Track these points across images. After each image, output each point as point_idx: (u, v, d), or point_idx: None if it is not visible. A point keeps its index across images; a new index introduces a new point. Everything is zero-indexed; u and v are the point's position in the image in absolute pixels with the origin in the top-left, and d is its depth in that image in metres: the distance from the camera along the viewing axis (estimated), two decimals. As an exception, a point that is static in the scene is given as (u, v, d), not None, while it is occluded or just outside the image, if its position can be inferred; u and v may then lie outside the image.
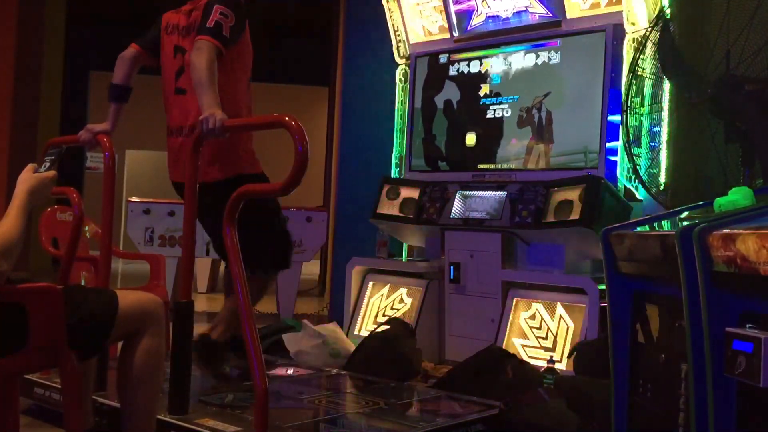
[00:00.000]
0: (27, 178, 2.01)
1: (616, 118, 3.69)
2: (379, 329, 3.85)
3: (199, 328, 2.94)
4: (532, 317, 3.78)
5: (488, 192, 4.06)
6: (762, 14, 2.80)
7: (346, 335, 4.18)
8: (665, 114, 3.53)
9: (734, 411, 1.40)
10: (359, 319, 4.41)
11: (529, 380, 3.21)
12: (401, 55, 4.71)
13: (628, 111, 3.47)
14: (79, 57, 10.90)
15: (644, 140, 3.53)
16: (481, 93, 4.30)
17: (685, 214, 2.16)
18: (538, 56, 4.09)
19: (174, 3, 3.17)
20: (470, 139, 4.32)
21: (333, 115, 7.19)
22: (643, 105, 3.51)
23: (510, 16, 4.21)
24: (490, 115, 4.25)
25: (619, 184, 3.72)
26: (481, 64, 4.33)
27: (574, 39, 3.94)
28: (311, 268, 7.71)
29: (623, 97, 3.54)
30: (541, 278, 3.78)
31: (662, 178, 3.53)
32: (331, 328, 4.03)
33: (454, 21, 4.43)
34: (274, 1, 10.46)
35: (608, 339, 2.02)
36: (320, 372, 3.53)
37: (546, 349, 3.67)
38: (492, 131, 4.23)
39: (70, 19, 9.81)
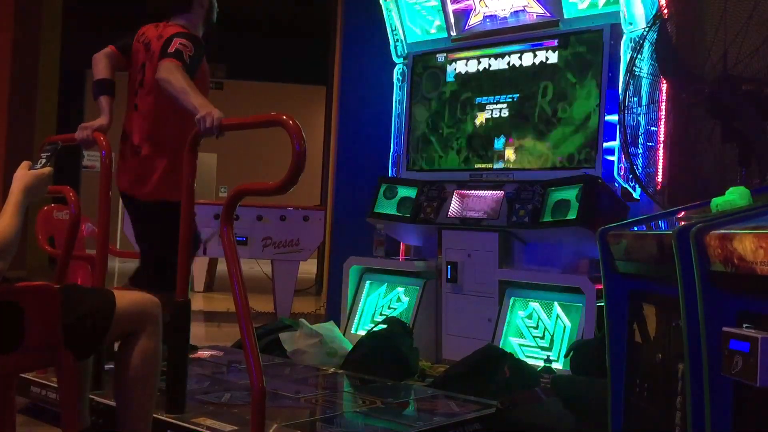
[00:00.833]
0: (22, 175, 2.00)
1: (614, 117, 3.69)
2: (376, 328, 3.85)
3: (196, 328, 2.93)
4: (529, 317, 3.78)
5: (485, 191, 4.06)
6: (759, 14, 2.81)
7: (343, 334, 4.19)
8: (662, 114, 3.53)
9: (731, 411, 1.40)
10: (356, 318, 4.41)
11: (526, 379, 3.21)
12: (399, 54, 4.71)
13: (626, 111, 3.46)
14: (76, 56, 10.86)
15: (641, 140, 3.53)
16: (479, 92, 4.30)
17: (682, 214, 2.16)
18: (535, 55, 4.09)
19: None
20: (468, 138, 4.32)
21: (330, 114, 7.18)
22: (640, 105, 3.51)
23: (508, 15, 4.21)
24: (487, 114, 4.25)
25: (616, 183, 3.72)
26: (479, 63, 4.33)
27: (572, 38, 3.94)
28: (308, 267, 7.70)
29: (620, 96, 3.54)
30: (538, 278, 3.78)
31: (659, 178, 3.53)
32: (328, 327, 4.03)
33: (452, 20, 4.43)
34: (271, 1, 10.47)
35: (605, 338, 2.02)
36: (317, 371, 3.53)
37: (543, 348, 3.68)
38: (489, 130, 4.24)
39: (66, 18, 9.79)
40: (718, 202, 1.91)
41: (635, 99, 3.52)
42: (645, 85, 3.52)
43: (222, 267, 7.55)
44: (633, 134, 3.51)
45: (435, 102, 4.50)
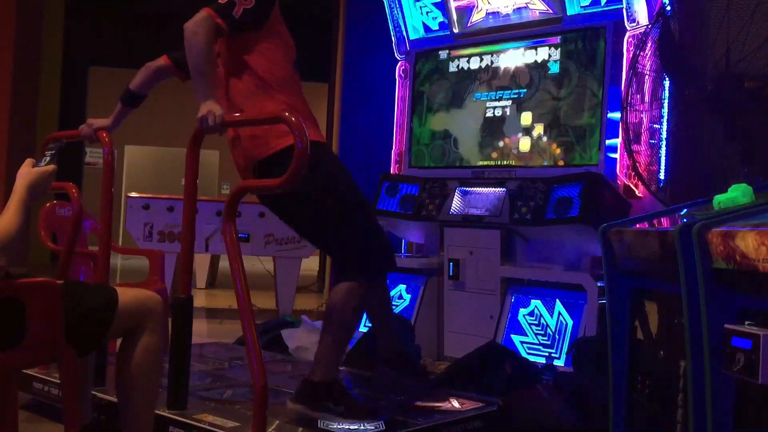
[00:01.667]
0: (26, 172, 2.00)
1: (616, 115, 3.69)
2: (378, 325, 3.85)
3: (198, 324, 2.94)
4: (531, 314, 3.78)
5: (488, 189, 4.06)
6: (762, 11, 2.80)
7: (345, 331, 4.18)
8: (665, 111, 3.52)
9: (732, 408, 1.40)
10: (358, 316, 4.41)
11: (528, 377, 3.21)
12: (401, 51, 4.71)
13: (628, 108, 3.46)
14: (78, 52, 10.88)
15: (644, 137, 3.53)
16: (481, 89, 4.30)
17: (684, 212, 2.16)
18: (538, 52, 4.09)
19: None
20: (470, 135, 4.32)
21: (333, 111, 7.18)
22: (642, 102, 3.50)
23: (510, 12, 4.21)
24: (489, 111, 4.25)
25: (618, 181, 3.72)
26: (481, 60, 4.33)
27: (574, 36, 3.93)
28: (310, 264, 7.70)
29: (623, 94, 3.54)
30: (540, 275, 3.78)
31: (661, 175, 3.53)
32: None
33: (454, 17, 4.43)
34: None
35: (607, 336, 2.02)
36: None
37: (545, 345, 3.68)
38: (492, 128, 4.23)
39: (68, 14, 9.79)
40: (720, 200, 1.91)
41: (638, 96, 3.52)
42: (647, 82, 3.52)
43: (224, 263, 7.56)
44: (635, 131, 3.50)
45: (437, 99, 4.49)
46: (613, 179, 3.70)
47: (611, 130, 3.75)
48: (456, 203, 4.12)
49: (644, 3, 3.68)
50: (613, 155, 3.74)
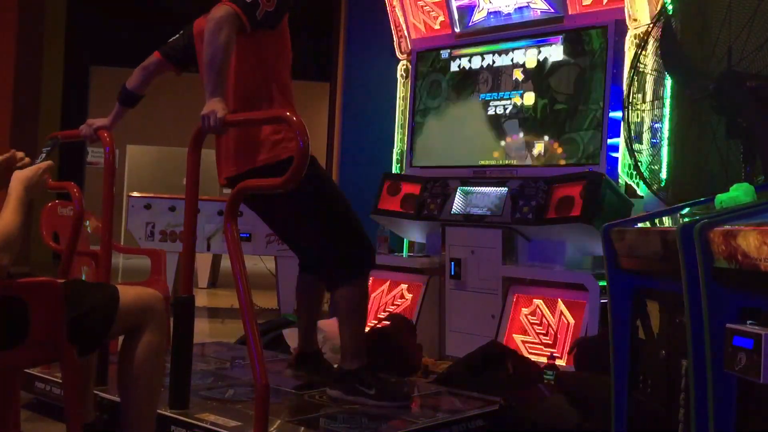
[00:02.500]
0: (22, 172, 2.01)
1: (618, 114, 3.69)
2: (380, 325, 3.86)
3: (200, 323, 2.94)
4: (533, 313, 3.78)
5: (489, 188, 4.06)
6: (764, 10, 2.80)
7: (347, 331, 4.18)
8: (667, 110, 3.52)
9: (734, 407, 1.40)
10: (360, 315, 4.41)
11: (530, 376, 3.21)
12: (402, 50, 4.71)
13: (630, 107, 3.46)
14: (80, 52, 10.89)
15: (645, 136, 3.52)
16: (482, 89, 4.30)
17: (686, 211, 2.16)
18: (539, 52, 4.09)
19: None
20: (471, 135, 4.32)
21: (334, 110, 7.18)
22: (644, 101, 3.50)
23: (512, 11, 4.21)
24: (491, 110, 4.25)
25: (620, 180, 3.72)
26: (483, 59, 4.33)
27: (576, 35, 3.93)
28: (312, 264, 7.70)
29: (625, 93, 3.54)
30: (541, 274, 3.78)
31: (663, 175, 3.53)
32: (332, 324, 4.02)
33: (456, 16, 4.43)
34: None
35: (608, 335, 2.02)
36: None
37: (546, 345, 3.68)
38: (493, 127, 4.23)
39: (70, 13, 9.79)
40: (722, 199, 1.91)
41: (639, 95, 3.52)
42: (649, 81, 3.52)
43: (226, 263, 7.56)
44: (637, 131, 3.50)
45: (438, 98, 4.49)
46: (614, 178, 3.70)
47: (613, 129, 3.74)
48: (457, 202, 4.12)
49: (645, 2, 3.67)
50: (614, 154, 3.74)
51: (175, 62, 3.08)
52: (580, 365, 3.14)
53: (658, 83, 3.51)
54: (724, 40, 2.92)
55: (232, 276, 2.24)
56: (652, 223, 2.06)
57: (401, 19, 4.65)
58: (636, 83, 3.48)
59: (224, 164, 2.90)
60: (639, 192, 3.68)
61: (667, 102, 3.52)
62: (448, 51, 4.48)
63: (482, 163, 4.25)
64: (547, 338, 3.69)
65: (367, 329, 3.89)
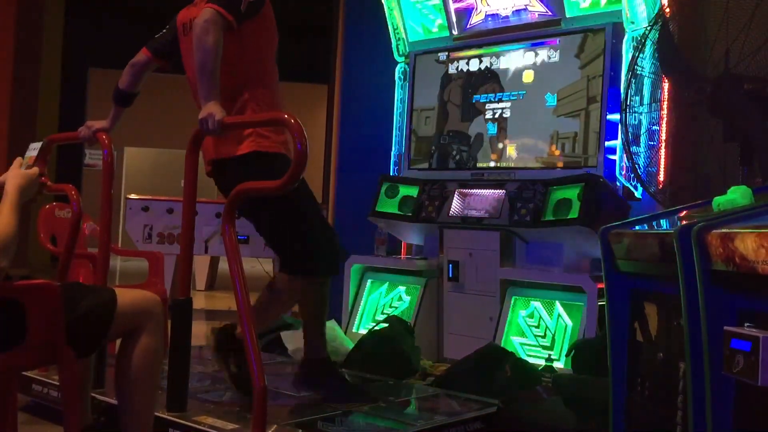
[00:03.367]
0: (14, 174, 2.02)
1: (615, 116, 3.69)
2: (378, 327, 3.85)
3: (197, 326, 2.94)
4: (531, 316, 3.78)
5: (487, 190, 4.06)
6: (761, 13, 2.80)
7: (345, 333, 4.19)
8: (664, 113, 3.53)
9: (732, 409, 1.40)
10: (357, 317, 4.41)
11: (528, 378, 3.21)
12: (400, 53, 4.71)
13: (627, 110, 3.46)
14: (78, 54, 10.89)
15: (643, 139, 3.53)
16: (480, 91, 4.30)
17: (683, 213, 2.16)
18: (537, 55, 4.09)
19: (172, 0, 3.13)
20: (469, 137, 4.32)
21: (332, 113, 7.18)
22: (642, 104, 3.51)
23: (509, 14, 4.21)
24: (489, 113, 4.25)
25: (618, 182, 3.72)
26: (481, 62, 4.33)
27: (574, 37, 3.94)
28: (310, 266, 7.69)
29: (622, 95, 3.54)
30: (539, 276, 3.78)
31: (661, 177, 3.53)
32: (330, 326, 4.02)
33: (454, 19, 4.43)
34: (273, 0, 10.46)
35: (606, 337, 2.02)
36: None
37: (544, 347, 3.68)
38: (491, 130, 4.23)
39: (68, 15, 9.79)
40: (719, 201, 1.91)
41: (637, 98, 3.52)
42: (647, 83, 3.52)
43: (223, 265, 7.55)
44: (635, 133, 3.50)
45: (436, 101, 4.49)
46: (612, 181, 3.71)
47: (610, 131, 3.75)
48: (455, 205, 4.12)
49: (643, 5, 3.68)
50: (612, 157, 3.75)
51: (162, 57, 3.10)
52: (578, 367, 3.14)
53: (656, 86, 3.51)
54: (721, 42, 2.92)
55: (230, 278, 2.24)
56: (650, 226, 2.06)
57: (399, 22, 4.66)
58: (634, 86, 3.48)
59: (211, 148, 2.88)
60: (637, 194, 3.69)
61: (665, 104, 3.53)
62: (446, 53, 4.48)
63: (480, 165, 4.25)
64: (545, 340, 3.69)
65: (365, 332, 3.90)
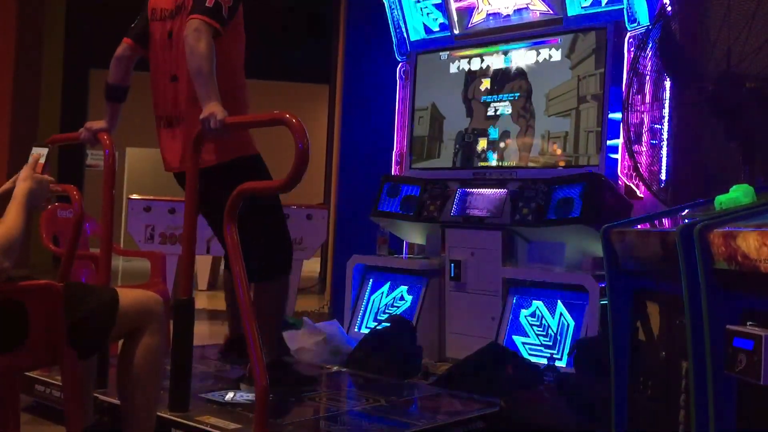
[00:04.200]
0: (26, 176, 2.02)
1: (617, 115, 3.69)
2: (380, 327, 3.85)
3: (199, 326, 2.94)
4: (533, 315, 3.78)
5: (489, 189, 4.06)
6: (763, 12, 2.80)
7: (347, 333, 4.19)
8: (666, 111, 3.52)
9: (735, 409, 1.40)
10: (360, 317, 4.41)
11: (530, 378, 3.21)
12: (402, 52, 4.71)
13: (629, 108, 3.46)
14: (79, 54, 10.90)
15: (645, 138, 3.52)
16: (482, 90, 4.30)
17: (685, 212, 2.16)
18: (538, 53, 4.09)
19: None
20: (471, 136, 4.32)
21: (333, 112, 7.19)
22: (643, 102, 3.50)
23: (511, 13, 4.21)
24: (491, 112, 4.25)
25: (619, 181, 3.72)
26: (482, 61, 4.33)
27: (575, 36, 3.93)
28: (312, 266, 7.71)
29: (624, 94, 3.54)
30: (541, 276, 3.78)
31: (663, 176, 3.53)
32: (332, 326, 4.03)
33: (455, 18, 4.43)
34: (274, -1, 10.47)
35: (608, 337, 2.02)
36: (321, 369, 3.53)
37: (546, 346, 3.68)
38: (493, 129, 4.23)
39: (69, 16, 9.80)
40: (721, 200, 1.91)
41: (639, 97, 3.52)
42: (648, 82, 3.52)
43: (225, 265, 7.55)
44: (637, 132, 3.50)
45: (438, 100, 4.49)
46: (614, 180, 3.70)
47: (612, 130, 3.75)
48: (457, 204, 4.12)
49: (645, 3, 3.68)
50: (614, 156, 3.74)
51: (144, 45, 3.10)
52: (580, 367, 3.14)
53: (658, 84, 3.51)
54: (723, 41, 2.92)
55: (232, 278, 2.24)
56: (652, 225, 2.06)
57: (400, 21, 4.66)
58: (635, 84, 3.48)
59: (179, 158, 2.94)
60: (638, 193, 3.68)
61: (667, 103, 3.52)
62: (448, 53, 4.48)
63: (482, 164, 4.25)
64: (547, 340, 3.69)
65: (367, 331, 3.90)
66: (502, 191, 3.99)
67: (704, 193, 2.39)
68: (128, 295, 2.11)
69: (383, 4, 4.70)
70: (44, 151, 2.15)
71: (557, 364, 3.53)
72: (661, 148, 3.54)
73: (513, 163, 4.12)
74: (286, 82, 13.07)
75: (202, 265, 7.66)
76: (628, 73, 3.56)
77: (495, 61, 4.27)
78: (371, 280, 4.48)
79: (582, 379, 2.94)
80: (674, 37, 3.28)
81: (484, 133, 4.26)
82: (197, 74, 2.65)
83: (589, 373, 2.96)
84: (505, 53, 4.23)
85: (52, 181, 2.09)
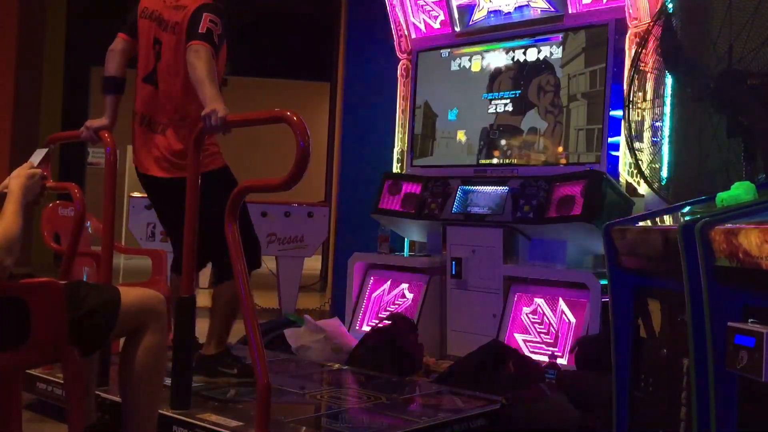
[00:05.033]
0: (18, 173, 2.03)
1: (618, 113, 3.68)
2: (381, 324, 3.86)
3: (201, 323, 2.94)
4: (534, 312, 3.78)
5: (490, 187, 4.06)
6: (764, 9, 2.79)
7: (348, 330, 4.19)
8: (667, 109, 3.52)
9: (736, 405, 1.40)
10: (361, 315, 4.42)
11: (531, 375, 3.21)
12: (403, 50, 4.71)
13: (630, 106, 3.46)
14: (80, 52, 10.90)
15: (646, 135, 3.52)
16: (483, 88, 4.30)
17: (687, 209, 2.15)
18: (539, 51, 4.08)
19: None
20: (471, 134, 4.32)
21: (334, 110, 7.19)
22: (645, 100, 3.50)
23: (512, 10, 4.20)
24: (491, 110, 4.25)
25: (621, 178, 3.72)
26: (483, 58, 4.33)
27: (576, 33, 3.93)
28: (313, 264, 7.70)
29: (625, 91, 3.53)
30: (542, 273, 3.78)
31: (664, 173, 3.52)
32: (333, 324, 4.03)
33: (456, 16, 4.43)
34: (275, -3, 10.47)
35: (610, 334, 2.02)
36: (322, 367, 3.53)
37: (548, 344, 3.68)
38: (493, 126, 4.23)
39: (71, 14, 9.81)
40: (723, 197, 1.91)
41: (640, 94, 3.51)
42: (650, 79, 3.51)
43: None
44: (638, 129, 3.50)
45: (439, 97, 4.49)
46: (615, 177, 3.70)
47: (613, 127, 3.74)
48: (458, 202, 4.11)
49: (646, 0, 3.67)
50: (615, 153, 3.74)
51: (137, 39, 3.14)
52: (582, 364, 3.14)
53: (659, 82, 3.50)
54: (724, 38, 2.91)
55: (233, 276, 2.24)
56: (653, 222, 2.06)
57: (401, 19, 4.66)
58: (636, 82, 3.48)
59: (153, 162, 3.10)
60: (640, 190, 3.68)
61: (668, 100, 3.52)
62: (448, 50, 4.47)
63: (483, 162, 4.24)
64: (549, 337, 3.69)
65: (368, 329, 3.90)
66: (503, 189, 3.98)
67: (705, 191, 2.40)
68: (130, 294, 2.11)
69: (384, 1, 4.69)
70: (43, 151, 2.16)
71: (558, 361, 3.53)
72: (662, 145, 3.54)
73: (514, 161, 4.12)
74: (287, 79, 13.08)
75: (204, 263, 7.65)
76: (629, 70, 3.56)
77: (496, 59, 4.26)
78: (372, 277, 4.48)
79: (583, 377, 2.94)
80: (675, 34, 3.28)
81: (510, 129, 4.21)
82: (199, 82, 2.74)
83: (591, 371, 2.96)
84: (507, 50, 4.23)
85: (44, 176, 2.09)
